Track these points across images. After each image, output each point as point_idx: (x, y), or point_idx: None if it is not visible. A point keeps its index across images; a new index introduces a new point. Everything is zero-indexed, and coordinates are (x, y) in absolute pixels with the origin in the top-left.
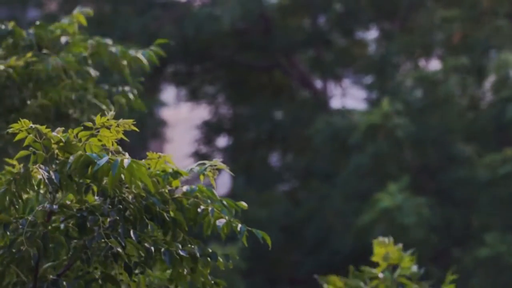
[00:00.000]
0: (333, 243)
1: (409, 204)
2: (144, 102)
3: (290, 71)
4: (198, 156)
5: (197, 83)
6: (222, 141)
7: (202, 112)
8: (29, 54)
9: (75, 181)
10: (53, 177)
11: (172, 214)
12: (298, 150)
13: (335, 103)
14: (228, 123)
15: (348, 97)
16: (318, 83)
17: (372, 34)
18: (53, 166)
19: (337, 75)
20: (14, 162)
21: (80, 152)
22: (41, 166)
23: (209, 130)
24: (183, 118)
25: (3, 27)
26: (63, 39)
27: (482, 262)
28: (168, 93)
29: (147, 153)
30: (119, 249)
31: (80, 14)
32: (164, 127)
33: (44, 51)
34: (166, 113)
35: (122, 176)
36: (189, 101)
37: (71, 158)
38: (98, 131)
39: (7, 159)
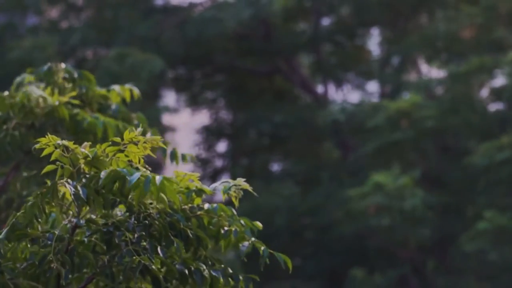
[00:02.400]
0: (334, 244)
1: (401, 179)
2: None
3: (291, 76)
4: (199, 161)
5: (197, 88)
6: (222, 146)
7: (203, 117)
8: (74, 93)
9: (102, 196)
10: (80, 192)
11: (195, 231)
12: (299, 155)
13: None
14: (229, 128)
15: (349, 101)
16: (320, 88)
17: (374, 38)
18: (83, 180)
19: (339, 79)
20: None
21: (111, 168)
22: (68, 180)
23: (210, 135)
24: (184, 123)
25: (72, 70)
26: (113, 106)
27: (479, 233)
28: (169, 98)
29: (174, 171)
30: (150, 264)
31: (128, 90)
32: (165, 132)
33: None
34: (167, 118)
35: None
36: (190, 106)
37: (103, 173)
38: (126, 147)
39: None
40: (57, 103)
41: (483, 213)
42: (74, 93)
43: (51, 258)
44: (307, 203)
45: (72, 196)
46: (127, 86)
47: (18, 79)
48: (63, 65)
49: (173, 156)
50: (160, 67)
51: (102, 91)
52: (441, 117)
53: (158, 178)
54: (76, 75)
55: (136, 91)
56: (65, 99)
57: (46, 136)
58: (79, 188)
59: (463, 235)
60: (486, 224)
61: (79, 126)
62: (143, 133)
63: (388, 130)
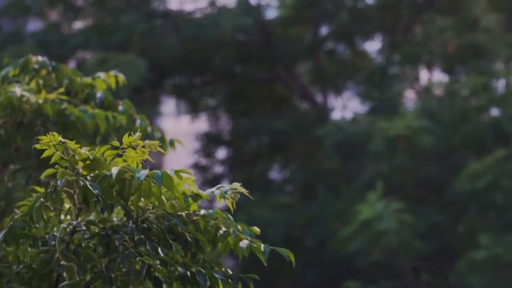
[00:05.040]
0: (333, 252)
1: (388, 210)
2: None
3: (291, 84)
4: (198, 168)
5: (197, 95)
6: (222, 153)
7: (202, 124)
8: (61, 89)
9: (102, 199)
10: (92, 188)
11: (193, 234)
12: (299, 162)
13: (336, 115)
14: (228, 135)
15: (349, 109)
16: (319, 96)
17: (374, 45)
18: (88, 180)
19: (338, 87)
20: (42, 190)
21: (121, 166)
22: (80, 178)
23: (209, 142)
24: (183, 130)
25: (47, 62)
26: (98, 94)
27: (478, 264)
28: (169, 105)
29: None
30: (156, 264)
31: (113, 77)
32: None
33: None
34: (166, 125)
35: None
36: (189, 113)
37: (114, 170)
38: (124, 151)
39: (35, 187)
40: (40, 101)
41: (479, 239)
42: (61, 90)
43: (58, 258)
44: (305, 213)
45: (90, 187)
46: (112, 72)
47: (2, 72)
48: (40, 58)
49: (161, 142)
50: (144, 68)
51: (88, 80)
52: (439, 139)
53: (170, 171)
54: (50, 68)
55: (122, 77)
56: (52, 96)
57: (33, 131)
58: (89, 185)
59: (459, 261)
60: (483, 253)
61: (67, 121)
62: (131, 120)
63: (387, 155)
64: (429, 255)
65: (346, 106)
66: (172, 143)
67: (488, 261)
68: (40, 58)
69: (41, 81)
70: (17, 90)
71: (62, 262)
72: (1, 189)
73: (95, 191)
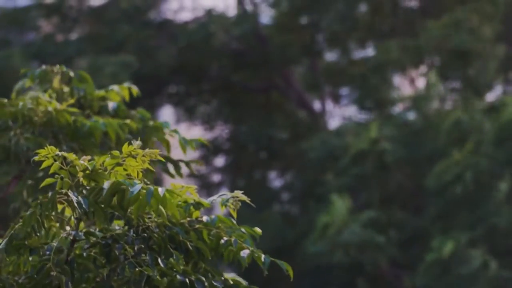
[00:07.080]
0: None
1: (342, 206)
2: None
3: (287, 92)
4: (197, 176)
5: (194, 103)
6: (220, 161)
7: (200, 132)
8: (72, 100)
9: (101, 208)
10: (82, 202)
11: (195, 243)
12: (297, 170)
13: (333, 123)
14: (226, 143)
15: (345, 117)
16: (316, 104)
17: (370, 52)
18: (83, 192)
19: (334, 94)
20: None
21: (113, 180)
22: (69, 191)
23: (207, 150)
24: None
25: (71, 74)
26: (110, 105)
27: (429, 265)
28: (167, 113)
29: (171, 184)
30: (155, 275)
31: (127, 89)
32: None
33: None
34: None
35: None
36: (187, 121)
37: (106, 184)
38: (124, 160)
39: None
40: (51, 109)
41: (433, 242)
42: (72, 101)
43: (50, 268)
44: (299, 226)
45: (76, 204)
46: (125, 85)
47: (17, 85)
48: (57, 67)
49: (186, 143)
50: (135, 64)
51: (101, 92)
52: (407, 145)
53: (161, 190)
54: (72, 74)
55: (135, 89)
56: (63, 107)
57: (45, 147)
58: (80, 199)
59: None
60: (434, 255)
61: (80, 132)
62: (146, 129)
63: (354, 167)
64: (410, 263)
65: (342, 114)
66: (191, 143)
67: (436, 262)
68: (58, 66)
69: (54, 94)
70: (28, 101)
71: (52, 273)
72: (21, 203)
73: (83, 208)
